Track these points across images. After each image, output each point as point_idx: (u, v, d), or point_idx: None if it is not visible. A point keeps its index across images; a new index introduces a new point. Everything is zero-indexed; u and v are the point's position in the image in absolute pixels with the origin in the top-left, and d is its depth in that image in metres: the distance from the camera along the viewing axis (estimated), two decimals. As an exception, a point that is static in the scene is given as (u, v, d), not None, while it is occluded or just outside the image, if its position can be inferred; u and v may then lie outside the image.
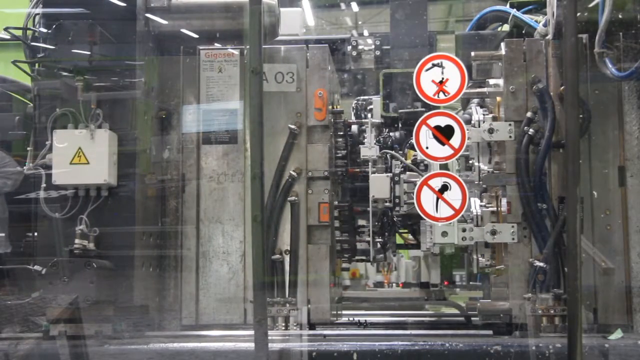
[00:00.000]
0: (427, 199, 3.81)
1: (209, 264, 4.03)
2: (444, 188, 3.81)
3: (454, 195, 3.80)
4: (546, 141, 3.77)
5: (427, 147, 3.84)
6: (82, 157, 3.76)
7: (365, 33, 5.16)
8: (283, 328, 3.88)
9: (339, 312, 4.49)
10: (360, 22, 12.52)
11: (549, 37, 3.91)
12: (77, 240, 3.72)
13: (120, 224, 3.83)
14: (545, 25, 4.03)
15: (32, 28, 4.01)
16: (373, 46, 4.77)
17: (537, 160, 3.80)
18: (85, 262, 3.71)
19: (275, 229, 3.97)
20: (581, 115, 3.75)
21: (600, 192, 3.88)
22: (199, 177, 4.05)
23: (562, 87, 3.73)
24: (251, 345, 3.48)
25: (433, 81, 3.84)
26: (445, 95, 3.84)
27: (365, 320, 4.85)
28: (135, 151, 3.90)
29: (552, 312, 3.74)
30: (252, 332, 3.40)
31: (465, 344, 3.64)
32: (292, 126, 4.00)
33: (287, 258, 3.95)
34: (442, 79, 3.84)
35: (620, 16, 3.69)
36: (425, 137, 3.84)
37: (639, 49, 3.78)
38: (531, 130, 3.80)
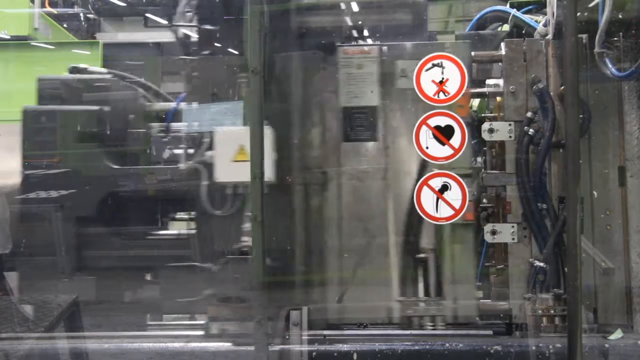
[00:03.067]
0: (427, 199, 3.82)
1: (351, 261, 3.94)
2: (444, 188, 3.82)
3: (454, 195, 3.81)
4: (546, 141, 3.77)
5: (427, 147, 3.85)
6: (244, 154, 3.74)
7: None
8: (431, 328, 3.84)
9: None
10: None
11: (549, 37, 3.91)
12: (244, 238, 3.72)
13: (280, 220, 3.81)
14: (545, 25, 4.02)
15: (188, 24, 3.98)
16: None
17: (537, 160, 3.80)
18: None
19: (419, 226, 3.91)
20: (581, 115, 3.75)
21: (600, 192, 3.87)
22: (340, 174, 3.99)
23: (562, 87, 3.73)
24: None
25: (433, 81, 3.86)
26: (446, 95, 3.85)
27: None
28: (293, 148, 3.90)
29: (552, 312, 3.74)
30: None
31: (465, 344, 3.65)
32: None
33: (431, 257, 3.90)
34: (442, 79, 3.85)
35: (620, 16, 3.69)
36: (425, 137, 3.85)
37: (639, 49, 3.78)
38: (531, 130, 3.81)
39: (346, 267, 3.94)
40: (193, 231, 4.00)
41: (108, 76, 4.44)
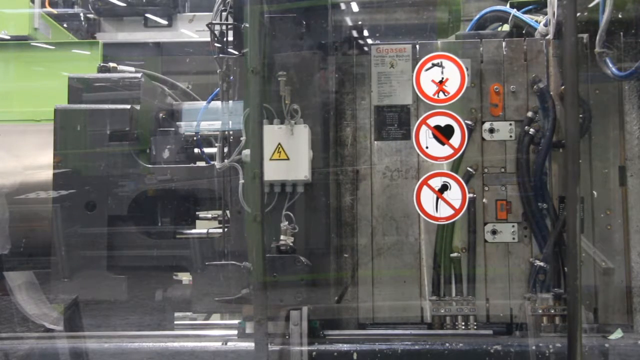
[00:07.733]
0: (427, 198, 3.82)
1: (382, 260, 3.94)
2: (444, 188, 3.82)
3: (454, 195, 3.81)
4: (547, 141, 3.77)
5: (426, 147, 3.85)
6: (282, 153, 3.72)
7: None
8: (463, 327, 3.83)
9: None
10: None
11: (550, 36, 3.91)
12: (282, 237, 3.70)
13: (316, 220, 3.80)
14: (546, 25, 4.03)
15: (225, 22, 3.96)
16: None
17: (537, 160, 3.80)
18: (295, 258, 3.70)
19: (452, 226, 3.89)
20: (581, 115, 3.75)
21: (600, 192, 3.87)
22: (373, 173, 3.97)
23: (563, 87, 3.73)
24: (251, 345, 3.49)
25: (433, 81, 3.86)
26: (445, 95, 3.85)
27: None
28: (328, 147, 3.89)
29: (552, 311, 3.74)
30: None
31: (465, 344, 3.65)
32: (468, 122, 3.90)
33: (464, 256, 3.87)
34: (442, 78, 3.85)
35: (620, 16, 3.69)
36: (425, 137, 3.85)
37: (639, 49, 3.78)
38: (532, 129, 3.81)
39: (378, 266, 3.94)
40: (227, 229, 3.98)
41: (137, 75, 4.43)
